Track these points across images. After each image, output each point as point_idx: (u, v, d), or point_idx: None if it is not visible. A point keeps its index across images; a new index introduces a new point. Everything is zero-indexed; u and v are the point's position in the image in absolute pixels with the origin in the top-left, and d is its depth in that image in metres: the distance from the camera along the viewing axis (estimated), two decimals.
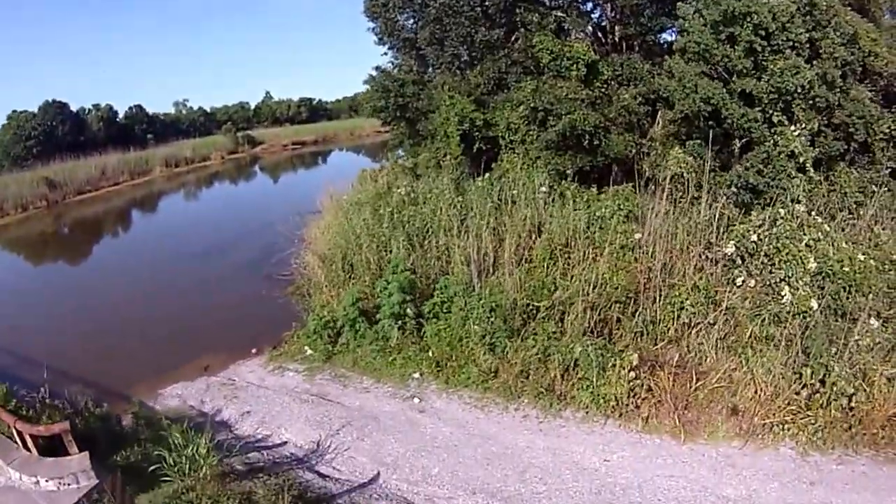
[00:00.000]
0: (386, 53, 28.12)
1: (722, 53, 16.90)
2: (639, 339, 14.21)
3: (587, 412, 13.16)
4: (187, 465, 11.62)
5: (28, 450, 12.90)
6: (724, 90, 16.88)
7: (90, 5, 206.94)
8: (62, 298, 27.76)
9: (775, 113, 16.77)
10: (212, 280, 27.29)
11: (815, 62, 16.64)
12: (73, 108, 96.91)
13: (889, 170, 17.22)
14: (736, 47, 16.70)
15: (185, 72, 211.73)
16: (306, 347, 17.47)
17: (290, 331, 18.82)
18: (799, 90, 16.17)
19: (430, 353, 15.58)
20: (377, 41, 27.47)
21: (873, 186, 16.95)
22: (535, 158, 21.05)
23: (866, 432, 11.57)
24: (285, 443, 13.69)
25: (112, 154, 74.61)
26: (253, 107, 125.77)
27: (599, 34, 24.79)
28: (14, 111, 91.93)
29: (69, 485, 12.05)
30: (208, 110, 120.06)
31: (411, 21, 26.41)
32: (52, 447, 12.86)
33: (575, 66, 21.01)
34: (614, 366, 13.19)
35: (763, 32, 16.06)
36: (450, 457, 12.43)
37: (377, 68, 27.39)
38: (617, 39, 23.67)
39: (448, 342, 15.49)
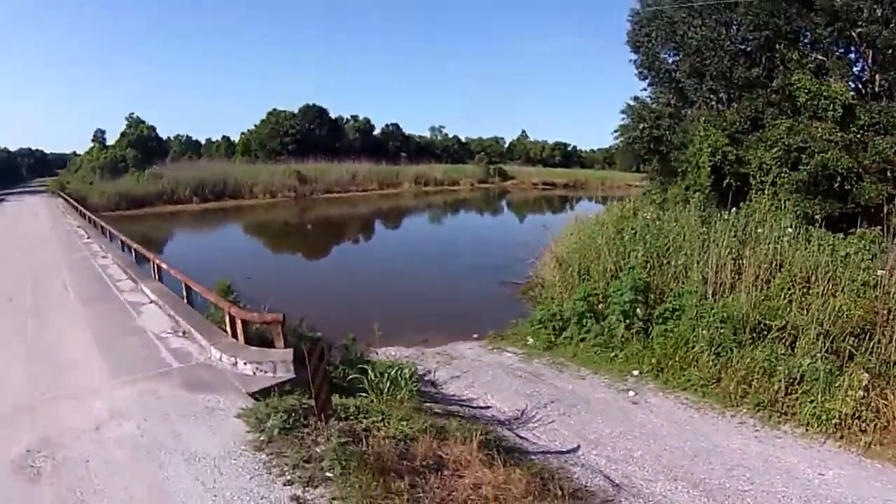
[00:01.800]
0: (646, 89, 27.45)
1: None
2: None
3: (807, 429, 11.63)
4: (386, 385, 11.32)
5: (236, 338, 13.00)
6: None
7: (362, 26, 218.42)
8: (320, 274, 29.00)
9: None
10: (449, 278, 27.53)
11: None
12: (332, 115, 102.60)
13: None
14: None
15: (443, 100, 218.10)
16: (528, 337, 16.98)
17: (516, 322, 18.42)
18: None
19: (653, 354, 14.49)
20: (637, 74, 26.97)
21: None
22: (783, 200, 19.56)
23: None
24: (489, 407, 13.13)
25: (365, 163, 77.65)
26: (508, 143, 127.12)
27: (859, 83, 22.76)
28: (274, 109, 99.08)
29: (266, 372, 11.83)
30: (462, 139, 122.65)
31: (671, 55, 25.63)
32: (260, 343, 12.96)
33: (832, 105, 19.41)
34: (841, 386, 11.64)
35: None
36: (656, 444, 11.34)
37: (635, 98, 26.75)
38: (877, 89, 21.70)
39: (673, 345, 14.33)
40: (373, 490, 7.70)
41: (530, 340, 16.79)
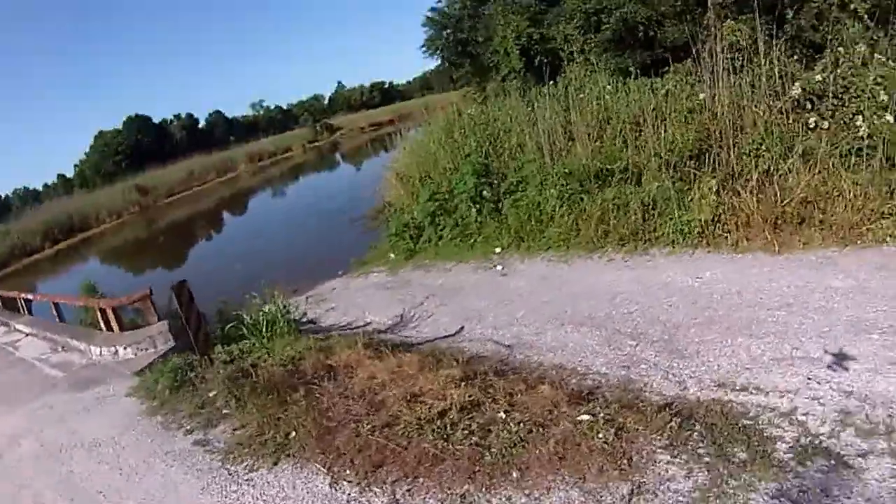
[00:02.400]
0: (442, 1, 26.74)
1: None
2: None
3: (674, 245, 11.42)
4: (264, 325, 10.75)
5: (112, 330, 12.62)
6: None
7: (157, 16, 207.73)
8: (188, 274, 27.55)
9: None
10: (304, 236, 26.68)
11: None
12: (156, 119, 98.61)
13: None
14: None
15: (259, 74, 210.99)
16: (389, 253, 16.27)
17: (374, 245, 17.71)
18: None
19: (509, 227, 14.04)
20: None
21: None
22: (596, 63, 19.45)
23: None
24: (369, 323, 12.36)
25: (197, 157, 74.95)
26: (327, 97, 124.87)
27: None
28: (100, 131, 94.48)
29: (147, 349, 11.58)
30: (284, 107, 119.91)
31: None
32: (135, 326, 12.71)
33: None
34: (694, 198, 11.54)
35: None
36: (535, 300, 10.88)
37: (432, 9, 26.05)
38: None
39: (526, 213, 13.89)
40: (270, 408, 7.93)
41: (391, 256, 16.09)
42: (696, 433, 6.06)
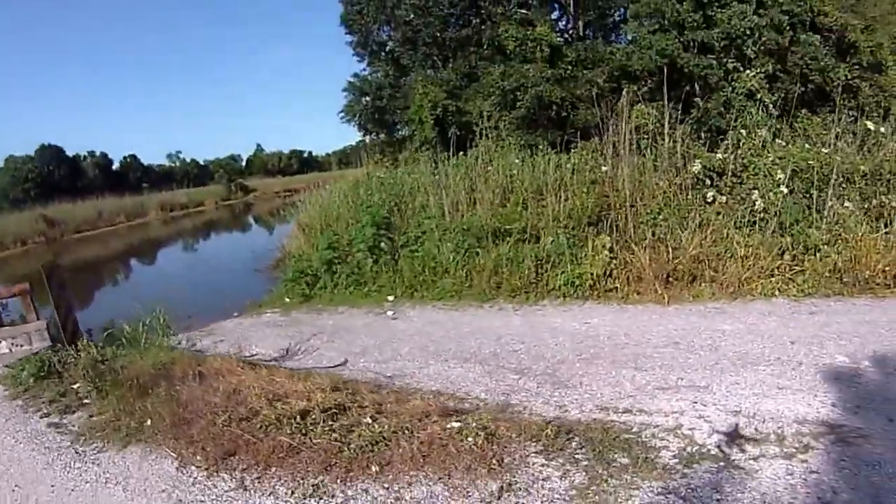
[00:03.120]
0: (365, 69, 26.65)
1: (672, 9, 15.58)
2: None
3: (565, 297, 11.05)
4: (143, 335, 10.26)
5: None
6: (678, 42, 15.63)
7: (80, 56, 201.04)
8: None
9: (729, 60, 15.66)
10: (207, 284, 25.58)
11: (760, 11, 15.39)
12: (69, 152, 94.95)
13: (852, 118, 15.46)
14: (685, 3, 15.42)
15: (178, 126, 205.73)
16: (285, 297, 15.41)
17: (271, 290, 16.87)
18: (748, 32, 15.23)
19: (404, 278, 13.46)
20: (354, 54, 26.09)
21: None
22: (507, 138, 19.39)
23: (858, 281, 9.46)
24: (254, 355, 11.39)
25: (108, 198, 72.26)
26: (245, 159, 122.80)
27: (564, 33, 23.33)
28: (11, 155, 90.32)
29: (22, 345, 10.72)
30: (201, 162, 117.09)
31: (385, 29, 25.10)
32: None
33: (539, 47, 19.44)
34: (587, 254, 11.34)
35: None
36: (421, 339, 10.17)
37: (355, 75, 25.92)
38: (581, 33, 22.40)
39: (421, 264, 13.37)
40: (130, 399, 7.72)
41: (287, 300, 15.22)
42: (574, 442, 5.54)
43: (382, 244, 14.25)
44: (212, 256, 36.53)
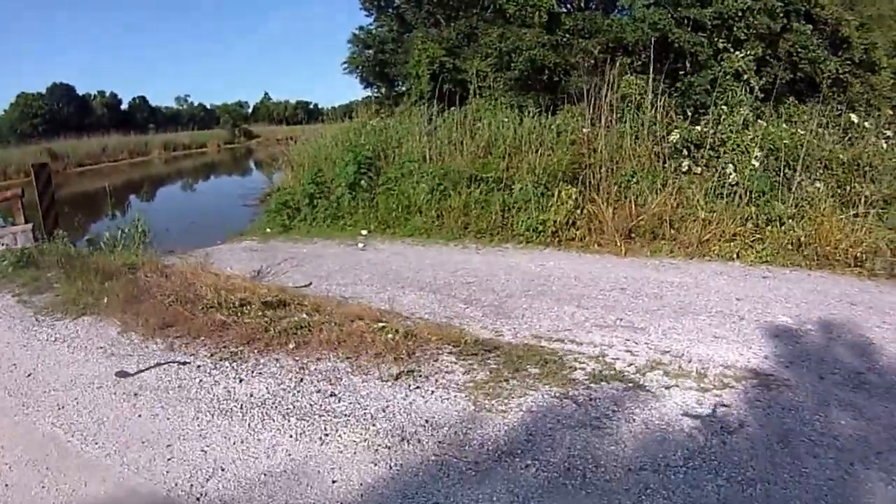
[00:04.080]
0: (371, 24, 26.02)
1: None
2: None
3: (527, 242, 10.85)
4: (121, 242, 11.10)
5: None
6: (672, 18, 15.23)
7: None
8: None
9: (720, 39, 15.25)
10: (200, 214, 25.27)
11: None
12: (80, 92, 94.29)
13: (838, 112, 15.11)
14: None
15: (187, 69, 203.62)
16: (266, 228, 15.16)
17: (253, 220, 16.63)
18: (740, 14, 14.83)
19: (378, 213, 13.30)
20: (361, 6, 25.44)
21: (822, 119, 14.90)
22: (499, 98, 18.99)
23: (819, 256, 9.13)
24: (229, 274, 11.34)
25: (114, 136, 71.67)
26: (252, 106, 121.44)
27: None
28: (23, 92, 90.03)
29: (7, 244, 11.40)
30: (208, 106, 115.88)
31: None
32: None
33: (537, 13, 18.96)
34: (553, 203, 11.04)
35: None
36: (383, 268, 9.99)
37: (360, 27, 25.31)
38: (583, 2, 21.87)
39: (396, 202, 13.20)
40: (93, 283, 8.36)
41: (267, 230, 15.02)
42: (493, 354, 5.44)
43: (363, 182, 14.02)
44: (206, 192, 36.39)
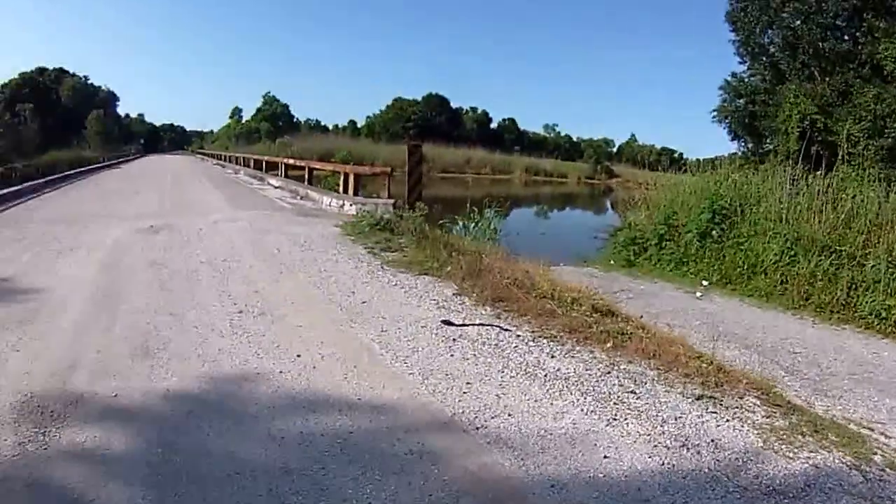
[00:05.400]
0: (745, 72, 26.41)
1: None
2: None
3: (867, 328, 11.01)
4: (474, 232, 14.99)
5: (347, 193, 15.22)
6: None
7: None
8: None
9: None
10: (551, 238, 27.48)
11: None
12: (453, 105, 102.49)
13: None
14: None
15: (557, 99, 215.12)
16: (611, 260, 16.89)
17: (601, 249, 18.44)
18: None
19: (723, 266, 14.24)
20: (735, 53, 25.85)
21: None
22: (868, 170, 18.65)
23: None
24: None
25: (479, 150, 76.81)
26: (617, 145, 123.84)
27: None
28: (399, 97, 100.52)
29: (369, 212, 14.18)
30: (574, 139, 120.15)
31: (766, 31, 24.69)
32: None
33: None
34: None
35: None
36: (714, 318, 11.00)
37: (732, 74, 25.85)
38: None
39: (744, 261, 13.98)
40: (439, 252, 10.90)
41: (611, 262, 16.62)
42: (797, 413, 5.92)
43: (714, 231, 14.97)
44: (559, 219, 38.24)
